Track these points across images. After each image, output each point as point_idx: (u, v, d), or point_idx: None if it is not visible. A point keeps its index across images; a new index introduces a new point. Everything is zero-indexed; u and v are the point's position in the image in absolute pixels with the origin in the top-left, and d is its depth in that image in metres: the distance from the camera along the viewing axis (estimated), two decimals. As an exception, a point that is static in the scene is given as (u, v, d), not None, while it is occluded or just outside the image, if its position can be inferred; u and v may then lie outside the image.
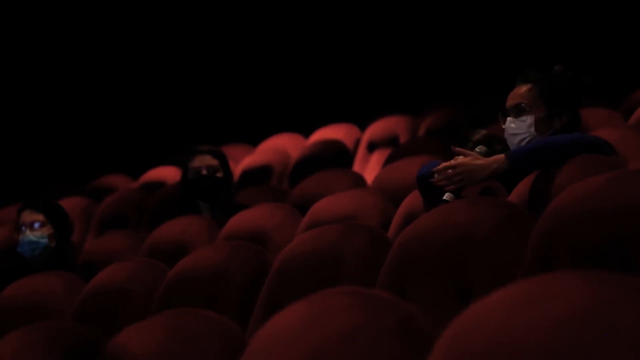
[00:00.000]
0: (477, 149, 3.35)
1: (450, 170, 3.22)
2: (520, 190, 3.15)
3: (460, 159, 3.24)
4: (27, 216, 4.78)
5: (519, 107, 3.44)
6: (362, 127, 7.11)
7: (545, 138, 3.31)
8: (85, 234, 6.39)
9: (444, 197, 3.22)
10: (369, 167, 6.58)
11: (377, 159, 6.58)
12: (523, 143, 3.41)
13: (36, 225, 4.75)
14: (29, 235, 4.73)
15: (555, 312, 1.59)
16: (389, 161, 5.54)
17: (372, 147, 6.78)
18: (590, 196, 2.45)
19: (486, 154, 3.30)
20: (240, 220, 4.26)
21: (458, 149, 3.27)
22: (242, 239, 3.79)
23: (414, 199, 3.61)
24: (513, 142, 3.45)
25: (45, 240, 4.74)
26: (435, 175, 3.25)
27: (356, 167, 6.69)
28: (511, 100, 3.48)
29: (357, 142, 7.00)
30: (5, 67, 8.82)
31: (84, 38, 8.83)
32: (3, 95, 8.82)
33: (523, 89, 3.47)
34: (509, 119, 3.47)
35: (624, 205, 2.36)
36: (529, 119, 3.42)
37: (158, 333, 2.44)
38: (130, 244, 4.99)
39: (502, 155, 3.21)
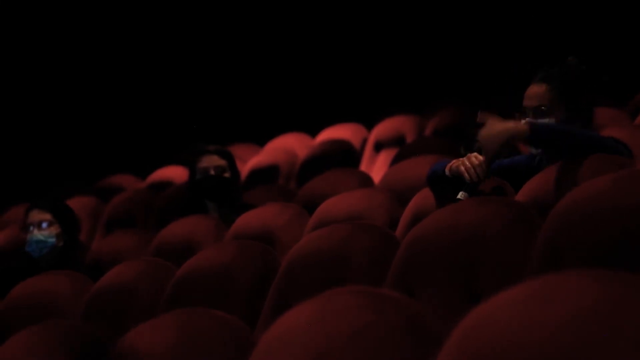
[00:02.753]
0: None
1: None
2: (529, 189, 3.16)
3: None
4: (35, 215, 4.79)
5: (539, 110, 3.38)
6: (369, 126, 7.11)
7: (568, 126, 3.29)
8: (93, 233, 6.40)
9: (458, 197, 3.20)
10: (376, 167, 6.58)
11: (384, 158, 6.58)
12: None
13: (44, 224, 4.77)
14: (37, 234, 4.75)
15: (563, 311, 1.59)
16: (395, 161, 5.54)
17: (379, 146, 6.78)
18: (598, 195, 2.46)
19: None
20: (248, 220, 4.26)
21: (480, 117, 3.25)
22: (249, 239, 3.80)
23: (421, 199, 3.61)
24: None
25: (52, 240, 4.75)
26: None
27: (363, 166, 6.69)
28: (530, 101, 3.40)
29: (364, 142, 7.00)
30: (12, 68, 8.83)
31: (92, 39, 8.84)
32: (11, 95, 8.83)
33: (542, 89, 3.39)
34: (528, 119, 3.42)
35: (632, 204, 2.36)
36: (550, 121, 3.38)
37: (167, 332, 2.45)
38: (137, 243, 4.99)
39: (524, 123, 3.20)
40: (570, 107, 3.38)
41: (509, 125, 3.20)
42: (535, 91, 3.41)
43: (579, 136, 3.17)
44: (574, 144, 3.14)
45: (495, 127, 3.20)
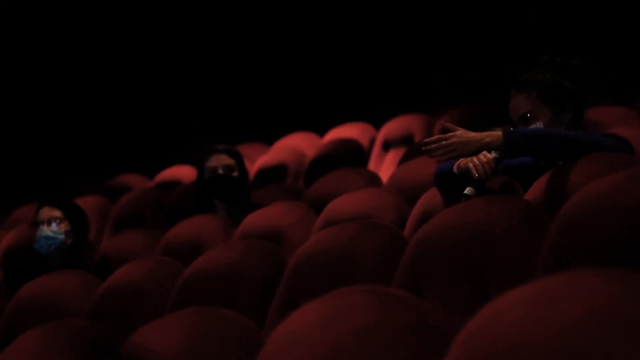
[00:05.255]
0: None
1: (444, 142, 3.24)
2: (537, 188, 3.15)
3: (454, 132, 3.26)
4: (46, 212, 4.81)
5: (524, 118, 3.40)
6: (377, 125, 7.11)
7: (550, 128, 3.30)
8: (101, 233, 6.41)
9: (465, 192, 3.22)
10: (384, 166, 6.58)
11: (392, 157, 6.58)
12: None
13: (54, 221, 4.78)
14: (46, 230, 4.76)
15: (572, 310, 1.58)
16: (404, 160, 5.54)
17: (387, 145, 6.77)
18: (607, 194, 2.45)
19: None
20: (256, 219, 4.26)
21: (448, 124, 3.29)
22: (257, 238, 3.80)
23: (429, 198, 3.61)
24: None
25: (61, 236, 4.76)
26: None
27: (371, 165, 6.69)
28: (515, 111, 3.43)
29: (372, 141, 6.99)
30: (18, 69, 8.84)
31: (101, 39, 8.85)
32: (20, 95, 8.85)
33: (521, 98, 3.42)
34: (504, 128, 3.42)
35: (641, 203, 2.36)
36: (538, 125, 3.39)
37: (175, 331, 2.45)
38: (145, 243, 4.99)
39: (498, 132, 3.21)
40: (553, 104, 3.39)
41: (483, 135, 3.22)
42: (515, 102, 3.44)
43: (561, 139, 3.17)
44: (555, 149, 3.15)
45: (468, 137, 3.22)
